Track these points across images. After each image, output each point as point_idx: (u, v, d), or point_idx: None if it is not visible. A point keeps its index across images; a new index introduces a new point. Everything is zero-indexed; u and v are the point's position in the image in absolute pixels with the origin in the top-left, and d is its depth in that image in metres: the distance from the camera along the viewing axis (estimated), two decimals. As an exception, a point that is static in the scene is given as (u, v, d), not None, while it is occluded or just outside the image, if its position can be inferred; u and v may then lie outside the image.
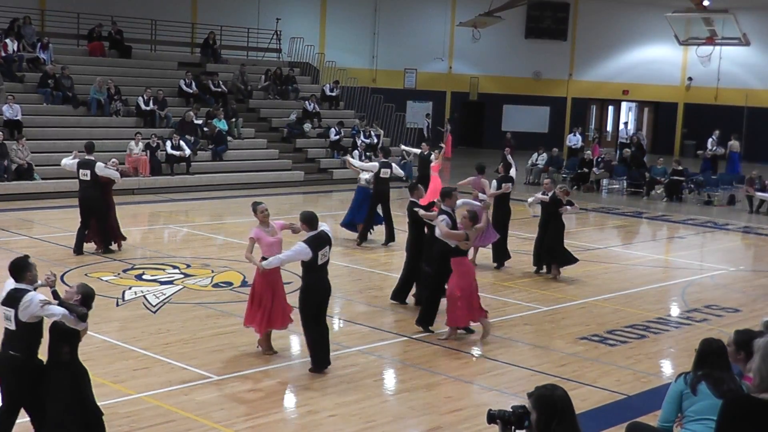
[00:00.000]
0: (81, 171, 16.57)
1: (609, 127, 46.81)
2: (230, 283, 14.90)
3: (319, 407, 9.54)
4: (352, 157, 24.93)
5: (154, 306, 13.17)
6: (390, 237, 18.85)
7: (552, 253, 16.36)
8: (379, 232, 19.13)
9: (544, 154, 32.19)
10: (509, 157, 19.48)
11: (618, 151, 36.72)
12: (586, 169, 30.64)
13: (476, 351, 11.83)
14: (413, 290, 14.08)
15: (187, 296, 13.92)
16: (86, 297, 7.72)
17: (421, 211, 13.34)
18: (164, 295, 13.86)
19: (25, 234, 18.69)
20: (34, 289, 7.71)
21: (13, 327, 7.50)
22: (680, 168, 28.84)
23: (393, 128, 34.93)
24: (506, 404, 5.90)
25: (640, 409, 9.47)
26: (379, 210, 18.99)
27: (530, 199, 17.28)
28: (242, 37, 35.20)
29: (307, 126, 31.16)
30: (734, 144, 33.93)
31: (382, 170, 18.88)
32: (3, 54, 26.84)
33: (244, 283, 14.87)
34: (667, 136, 44.78)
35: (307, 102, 31.98)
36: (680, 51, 43.05)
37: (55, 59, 28.33)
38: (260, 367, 10.70)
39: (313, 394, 9.92)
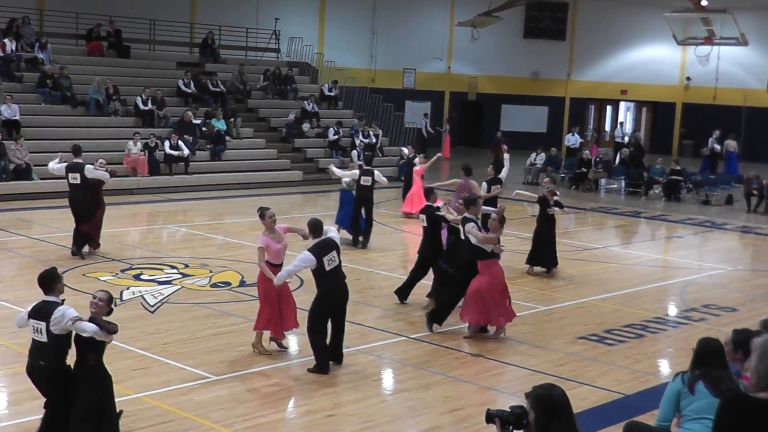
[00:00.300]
0: (70, 175, 16.38)
1: (607, 127, 46.81)
2: (229, 283, 14.90)
3: (317, 407, 9.55)
4: (351, 158, 24.93)
5: (152, 306, 13.18)
6: (366, 242, 18.72)
7: (536, 253, 16.55)
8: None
9: (543, 154, 32.20)
10: (507, 158, 19.34)
11: (615, 152, 36.72)
12: (584, 169, 30.64)
13: (469, 349, 11.84)
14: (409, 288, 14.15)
15: (185, 296, 13.92)
16: (109, 301, 8.00)
17: (450, 216, 13.57)
18: (162, 295, 13.87)
19: (23, 234, 18.69)
20: (62, 301, 7.96)
21: (44, 339, 7.76)
22: (678, 168, 28.85)
23: (392, 128, 34.94)
24: (505, 404, 5.91)
25: (638, 409, 9.48)
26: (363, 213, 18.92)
27: (518, 191, 17.40)
28: (241, 37, 35.19)
29: (305, 126, 31.15)
30: (731, 143, 33.94)
31: (363, 178, 18.74)
32: (1, 54, 26.83)
33: (242, 283, 14.89)
34: (666, 136, 44.78)
35: (305, 102, 31.98)
36: (678, 51, 43.05)
37: (54, 59, 28.32)
38: (259, 367, 10.71)
39: (312, 394, 9.93)
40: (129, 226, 21.52)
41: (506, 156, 19.17)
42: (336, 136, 30.61)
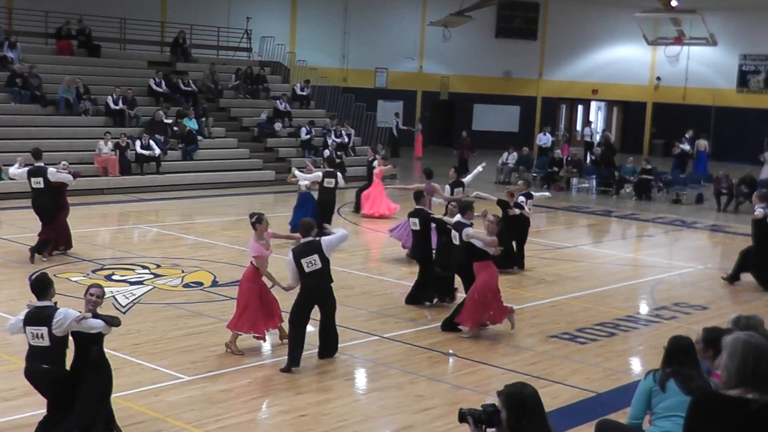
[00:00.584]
0: (33, 179, 16.03)
1: (579, 127, 47.06)
2: (201, 283, 14.85)
3: (290, 407, 9.53)
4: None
5: (124, 306, 13.10)
6: None
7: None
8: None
9: (515, 154, 32.29)
10: (480, 169, 19.21)
11: (586, 151, 36.92)
12: (556, 169, 30.77)
13: (449, 350, 11.86)
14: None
15: (157, 296, 13.85)
16: (103, 295, 8.28)
17: (447, 219, 13.77)
18: (134, 295, 13.79)
19: (-8, 234, 18.54)
20: (54, 304, 8.11)
21: (46, 343, 7.88)
22: (649, 167, 29.03)
23: (364, 128, 34.94)
24: (477, 403, 5.92)
25: (609, 407, 9.53)
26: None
27: (477, 192, 17.54)
28: (212, 36, 35.05)
29: (277, 125, 31.09)
30: (702, 143, 34.20)
31: (326, 180, 18.62)
32: (-30, 53, 26.63)
33: (214, 283, 14.84)
34: (636, 136, 45.09)
35: (277, 101, 31.91)
36: (649, 51, 43.37)
37: (23, 58, 28.09)
38: (231, 367, 10.67)
39: (285, 394, 9.91)
40: (100, 226, 21.39)
41: (479, 168, 19.19)
42: (308, 136, 30.57)
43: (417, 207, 14.42)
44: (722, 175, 27.09)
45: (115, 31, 32.28)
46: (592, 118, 46.45)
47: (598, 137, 37.81)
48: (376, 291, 14.96)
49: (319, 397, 9.86)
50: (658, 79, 44.10)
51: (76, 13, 30.74)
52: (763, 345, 4.83)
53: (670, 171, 31.23)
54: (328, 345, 11.16)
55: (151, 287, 14.42)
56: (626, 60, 44.04)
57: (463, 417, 5.36)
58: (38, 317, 7.93)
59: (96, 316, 7.99)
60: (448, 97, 44.25)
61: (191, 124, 28.31)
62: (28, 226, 18.74)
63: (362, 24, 41.45)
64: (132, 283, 14.50)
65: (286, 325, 11.21)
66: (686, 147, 33.38)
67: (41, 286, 8.17)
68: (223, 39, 35.55)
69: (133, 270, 15.54)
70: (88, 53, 30.38)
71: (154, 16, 34.72)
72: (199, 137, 28.45)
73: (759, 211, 16.31)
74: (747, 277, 16.74)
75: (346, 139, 31.26)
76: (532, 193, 17.72)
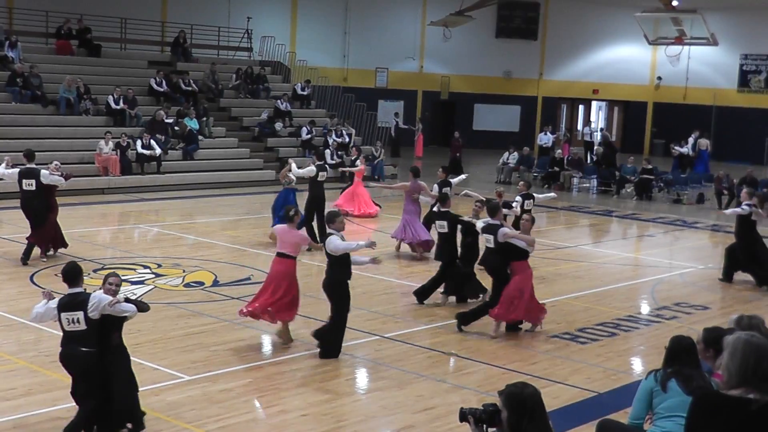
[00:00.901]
0: (25, 181, 15.72)
1: (579, 126, 47.06)
2: (202, 283, 14.85)
3: (290, 407, 9.53)
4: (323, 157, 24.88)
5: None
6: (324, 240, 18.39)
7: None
8: None
9: (515, 153, 32.30)
10: (462, 175, 19.22)
11: (586, 151, 36.92)
12: (556, 168, 30.76)
13: (449, 349, 11.86)
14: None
15: (158, 296, 13.84)
16: (120, 284, 8.65)
17: (476, 221, 13.80)
18: (135, 295, 13.75)
19: (-7, 234, 18.53)
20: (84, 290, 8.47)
21: (83, 327, 8.21)
22: (650, 167, 29.02)
23: (364, 127, 34.93)
24: (478, 402, 5.92)
25: (610, 407, 9.52)
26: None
27: (467, 191, 17.60)
28: (213, 36, 35.05)
29: (278, 125, 31.09)
30: (703, 142, 34.15)
31: (320, 173, 18.22)
32: (-30, 52, 26.63)
33: (215, 283, 14.84)
34: (637, 135, 45.08)
35: (278, 101, 31.91)
36: (649, 51, 43.36)
37: (24, 57, 28.09)
38: (231, 367, 10.67)
39: (285, 394, 9.91)
40: (100, 225, 21.39)
41: (463, 176, 19.29)
42: (309, 136, 30.57)
43: (443, 209, 14.47)
44: (723, 175, 27.07)
45: (115, 31, 32.30)
46: (592, 117, 46.45)
47: (597, 136, 37.76)
48: (377, 291, 14.95)
49: (319, 397, 9.85)
50: (659, 78, 44.10)
51: (77, 13, 30.74)
52: (764, 345, 4.82)
53: (670, 171, 31.21)
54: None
55: (152, 287, 14.41)
56: (627, 60, 44.05)
57: (464, 416, 5.35)
58: (73, 303, 8.24)
59: (129, 301, 8.45)
60: (448, 97, 44.25)
61: (192, 123, 28.30)
62: (28, 225, 18.72)
63: (363, 24, 41.45)
64: (133, 283, 14.49)
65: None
66: (683, 150, 33.19)
67: (73, 274, 8.50)
68: (223, 39, 35.55)
69: (134, 270, 15.53)
70: (88, 53, 30.37)
71: (154, 15, 34.74)
72: (200, 137, 28.45)
73: (745, 208, 16.46)
74: (746, 276, 16.74)
75: (347, 139, 31.26)
76: (534, 194, 17.73)
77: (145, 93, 29.44)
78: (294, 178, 18.38)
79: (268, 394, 10.04)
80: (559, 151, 32.56)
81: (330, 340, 11.19)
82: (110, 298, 8.25)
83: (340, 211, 12.11)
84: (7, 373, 10.14)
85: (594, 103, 47.53)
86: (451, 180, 18.22)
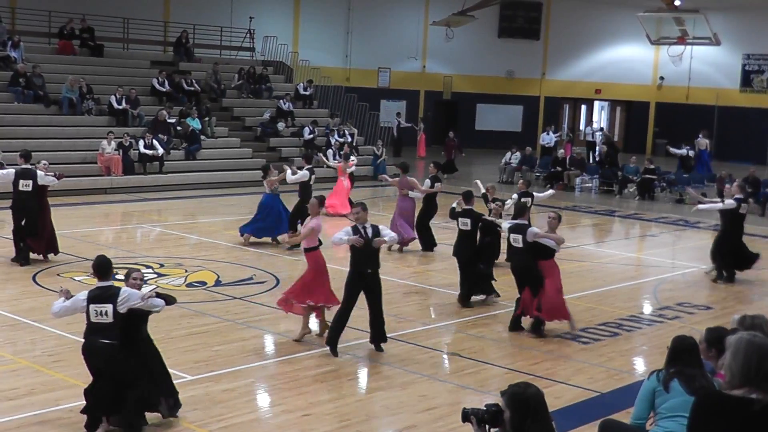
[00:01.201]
0: (22, 182, 15.44)
1: (582, 126, 47.06)
2: (204, 283, 14.85)
3: (293, 407, 9.53)
4: (325, 157, 24.90)
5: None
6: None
7: None
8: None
9: (518, 153, 32.30)
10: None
11: (588, 150, 36.90)
12: (559, 168, 30.76)
13: (449, 349, 11.87)
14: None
15: (160, 296, 13.82)
16: (143, 279, 9.05)
17: (499, 221, 14.05)
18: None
19: (-5, 234, 18.53)
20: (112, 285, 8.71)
21: (109, 320, 8.42)
22: (652, 167, 29.02)
23: (367, 127, 34.93)
24: (480, 402, 5.92)
25: (613, 407, 9.52)
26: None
27: (476, 181, 17.74)
28: (215, 36, 35.07)
29: (280, 125, 31.10)
30: (702, 142, 34.04)
31: (312, 177, 18.24)
32: (-27, 52, 26.64)
33: (217, 283, 14.84)
34: (639, 135, 45.04)
35: (280, 101, 31.93)
36: (652, 50, 43.33)
37: (27, 58, 28.10)
38: (234, 366, 10.68)
39: (287, 394, 9.92)
40: (103, 225, 21.41)
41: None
42: (311, 135, 30.57)
43: (466, 207, 14.46)
44: (725, 175, 27.04)
45: (118, 31, 32.32)
46: (595, 117, 46.40)
47: (598, 136, 37.66)
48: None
49: (321, 397, 9.86)
50: (662, 78, 44.07)
51: (79, 13, 30.76)
52: (766, 345, 4.82)
53: (675, 171, 31.15)
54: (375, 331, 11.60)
55: (155, 287, 14.37)
56: (629, 60, 44.02)
57: (466, 416, 5.35)
58: (103, 296, 8.45)
59: (159, 296, 8.76)
60: (450, 96, 44.24)
61: (194, 123, 28.32)
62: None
63: (365, 24, 41.45)
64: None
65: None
66: (681, 151, 32.92)
67: (104, 267, 8.74)
68: (226, 39, 35.56)
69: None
70: (91, 53, 30.39)
71: (157, 15, 34.75)
72: (202, 137, 28.46)
73: (732, 201, 16.66)
74: (748, 275, 16.74)
75: (349, 139, 31.26)
76: (534, 193, 17.73)
77: (148, 93, 29.45)
78: (276, 185, 18.32)
79: (270, 394, 10.05)
80: (562, 150, 32.54)
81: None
82: (139, 293, 8.53)
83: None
84: (9, 372, 10.16)
85: (596, 103, 47.51)
86: (440, 176, 18.54)
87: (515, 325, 12.69)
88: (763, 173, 30.83)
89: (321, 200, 12.43)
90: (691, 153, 32.97)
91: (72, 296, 8.70)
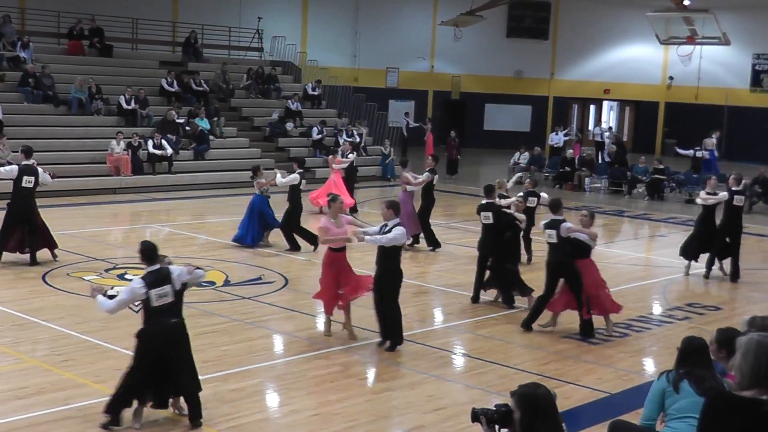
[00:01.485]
0: (25, 178, 15.28)
1: (591, 126, 46.97)
2: (213, 283, 14.85)
3: (301, 407, 9.53)
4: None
5: (137, 305, 13.05)
6: (307, 243, 17.87)
7: None
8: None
9: (526, 153, 32.27)
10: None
11: (597, 151, 36.80)
12: (567, 168, 30.71)
13: (459, 349, 11.86)
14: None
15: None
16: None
17: (519, 215, 14.15)
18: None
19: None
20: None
21: (171, 299, 8.76)
22: (661, 167, 28.96)
23: (375, 127, 34.94)
24: (489, 403, 5.91)
25: (622, 408, 9.49)
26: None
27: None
28: (224, 36, 35.12)
29: (289, 125, 31.13)
30: (708, 141, 33.85)
31: (303, 181, 18.12)
32: (-17, 53, 26.72)
33: (226, 283, 14.85)
34: (648, 135, 44.96)
35: (289, 101, 31.96)
36: (661, 50, 43.23)
37: (36, 58, 28.18)
38: (242, 366, 10.68)
39: (296, 394, 9.91)
40: (112, 225, 21.45)
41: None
42: (319, 136, 30.59)
43: (488, 200, 14.40)
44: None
45: (127, 31, 32.39)
46: (604, 117, 46.31)
47: (606, 136, 37.52)
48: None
49: (330, 397, 9.85)
50: (671, 78, 43.99)
51: (88, 13, 30.83)
52: (777, 346, 4.81)
53: (685, 171, 31.05)
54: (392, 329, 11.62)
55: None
56: (638, 59, 43.94)
57: (476, 416, 5.35)
58: (160, 279, 8.73)
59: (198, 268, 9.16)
60: (459, 96, 44.22)
61: (203, 123, 28.36)
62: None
63: (373, 24, 41.46)
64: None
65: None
66: (688, 152, 32.70)
67: (153, 251, 8.86)
68: (234, 39, 35.60)
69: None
70: (100, 53, 30.45)
71: (165, 16, 34.81)
72: (211, 137, 28.50)
73: (725, 194, 16.88)
74: (760, 276, 16.68)
75: (358, 139, 31.26)
76: (541, 193, 17.65)
77: (157, 93, 29.50)
78: (266, 187, 18.21)
79: (279, 394, 10.05)
80: (571, 151, 32.49)
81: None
82: (184, 268, 8.89)
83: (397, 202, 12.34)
84: (19, 371, 10.18)
85: (605, 103, 47.43)
86: (436, 169, 18.81)
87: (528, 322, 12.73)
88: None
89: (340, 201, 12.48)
90: (700, 154, 32.78)
91: (104, 291, 8.98)
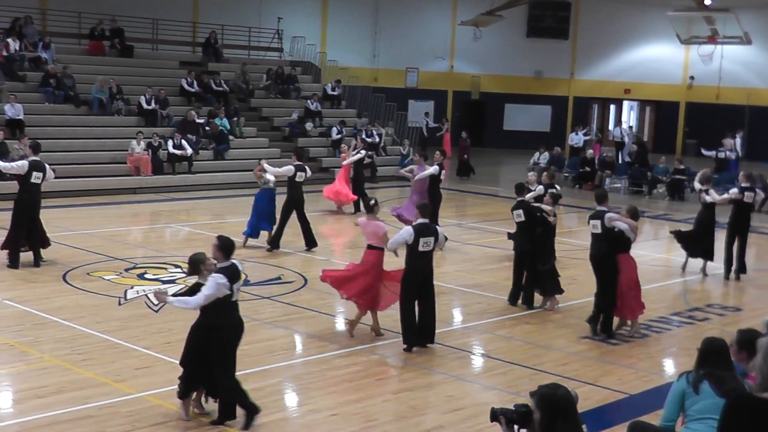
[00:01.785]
0: (34, 173, 15.24)
1: (611, 126, 46.80)
2: (232, 282, 14.85)
3: (320, 406, 9.54)
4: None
5: (156, 305, 13.14)
6: (311, 242, 17.92)
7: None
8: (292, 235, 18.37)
9: (546, 153, 32.20)
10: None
11: (617, 151, 36.63)
12: (587, 168, 30.61)
13: (479, 350, 11.83)
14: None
15: (188, 295, 13.87)
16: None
17: (548, 208, 14.07)
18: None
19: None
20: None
21: (238, 295, 8.98)
22: (682, 167, 28.82)
23: (395, 127, 34.94)
24: (508, 403, 5.89)
25: (642, 409, 9.46)
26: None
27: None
28: (244, 37, 35.21)
29: (308, 125, 31.17)
30: (728, 142, 33.61)
31: (298, 173, 17.84)
32: (5, 53, 26.85)
33: (245, 282, 14.85)
34: (669, 135, 44.76)
35: (308, 101, 32.00)
36: (682, 50, 43.02)
37: (57, 59, 28.34)
38: (262, 366, 10.69)
39: (315, 393, 9.92)
40: (132, 225, 21.53)
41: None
42: (339, 136, 30.61)
43: (519, 199, 14.38)
44: (756, 176, 26.74)
45: (147, 32, 32.54)
46: (624, 117, 46.12)
47: (626, 135, 37.32)
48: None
49: (349, 397, 9.85)
50: (692, 78, 43.77)
51: (109, 14, 30.99)
52: (798, 347, 4.77)
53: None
54: (426, 329, 11.62)
55: (183, 286, 14.46)
56: (659, 59, 43.74)
57: (495, 416, 5.33)
58: (236, 274, 8.98)
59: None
60: (479, 96, 44.16)
61: (223, 123, 28.43)
62: (61, 225, 18.90)
63: (393, 24, 41.47)
64: (164, 282, 14.56)
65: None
66: (711, 153, 32.47)
67: (231, 247, 9.17)
68: (254, 39, 35.69)
69: (165, 269, 15.60)
70: (120, 53, 30.59)
71: (185, 16, 34.95)
72: (231, 137, 28.57)
73: (735, 190, 17.01)
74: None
75: (377, 139, 31.26)
76: (555, 185, 17.46)
77: (177, 93, 29.60)
78: (271, 178, 18.06)
79: (297, 394, 10.05)
80: (590, 151, 32.38)
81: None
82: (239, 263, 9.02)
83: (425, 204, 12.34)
84: (39, 370, 10.23)
85: (626, 103, 47.26)
86: (444, 164, 19.32)
87: (606, 327, 12.62)
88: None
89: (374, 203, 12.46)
90: (722, 154, 32.57)
91: (164, 292, 9.18)
